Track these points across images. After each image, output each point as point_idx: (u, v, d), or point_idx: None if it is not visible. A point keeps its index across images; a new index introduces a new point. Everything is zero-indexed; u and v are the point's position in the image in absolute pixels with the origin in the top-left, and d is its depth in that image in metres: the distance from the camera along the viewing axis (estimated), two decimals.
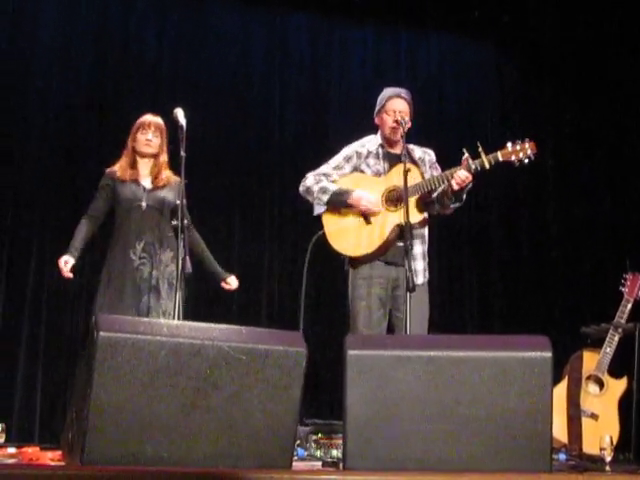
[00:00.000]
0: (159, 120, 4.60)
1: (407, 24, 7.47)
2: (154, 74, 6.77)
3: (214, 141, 6.62)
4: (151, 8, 6.87)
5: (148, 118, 4.60)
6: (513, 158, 4.10)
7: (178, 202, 4.15)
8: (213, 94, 6.79)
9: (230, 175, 6.71)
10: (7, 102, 6.30)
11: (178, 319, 3.86)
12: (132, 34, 6.77)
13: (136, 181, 4.52)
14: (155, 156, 4.58)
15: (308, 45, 7.26)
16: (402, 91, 4.50)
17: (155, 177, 4.55)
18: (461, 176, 4.09)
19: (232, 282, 4.69)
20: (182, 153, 4.15)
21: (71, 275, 4.42)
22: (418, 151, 4.51)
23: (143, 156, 4.58)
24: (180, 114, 4.22)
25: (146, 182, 4.55)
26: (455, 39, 7.62)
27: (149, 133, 4.55)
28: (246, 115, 6.92)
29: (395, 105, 4.43)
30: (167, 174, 4.57)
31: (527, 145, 4.10)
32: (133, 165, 4.56)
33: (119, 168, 4.56)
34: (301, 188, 4.51)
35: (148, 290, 4.37)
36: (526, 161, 4.10)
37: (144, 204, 4.46)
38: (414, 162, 4.37)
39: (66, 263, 4.39)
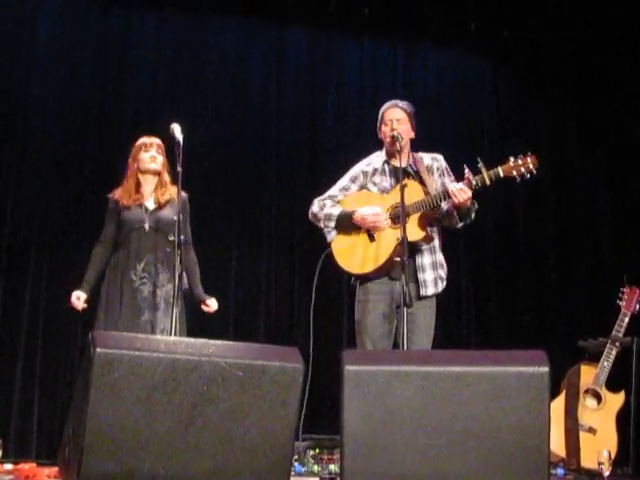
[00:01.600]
0: (158, 140, 4.65)
1: (404, 38, 7.49)
2: (151, 87, 6.79)
3: (210, 156, 6.63)
4: (149, 20, 6.91)
5: (148, 139, 4.65)
6: (514, 173, 4.07)
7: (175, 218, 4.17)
8: (209, 108, 6.81)
9: (226, 190, 6.73)
10: (5, 109, 6.34)
11: (175, 335, 3.86)
12: (130, 46, 6.80)
13: (140, 205, 4.55)
14: (159, 174, 4.63)
15: (305, 59, 7.28)
16: (399, 101, 4.49)
17: (159, 195, 4.58)
18: (454, 189, 4.07)
19: (212, 304, 4.67)
20: (179, 168, 4.16)
21: (84, 306, 4.50)
22: (427, 159, 4.47)
23: (147, 173, 4.62)
24: (177, 129, 4.23)
25: (149, 202, 4.58)
26: (452, 53, 7.64)
27: (152, 150, 4.61)
28: (242, 130, 6.92)
29: (391, 115, 4.41)
30: (171, 191, 4.59)
31: (529, 159, 4.07)
32: (137, 188, 4.59)
33: (122, 194, 4.59)
34: (309, 215, 4.53)
35: (148, 308, 4.40)
36: (528, 176, 4.08)
37: (147, 226, 4.50)
38: (419, 175, 4.36)
39: (78, 298, 4.48)
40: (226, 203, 6.72)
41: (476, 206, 4.26)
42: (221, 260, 6.53)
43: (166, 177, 4.62)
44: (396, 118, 4.40)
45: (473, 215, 4.29)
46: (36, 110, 6.47)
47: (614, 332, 5.08)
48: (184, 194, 4.54)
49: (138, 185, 4.61)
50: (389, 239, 4.24)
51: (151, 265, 4.44)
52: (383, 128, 4.43)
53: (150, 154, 4.60)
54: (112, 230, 4.58)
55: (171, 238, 4.28)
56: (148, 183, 4.63)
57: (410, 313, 3.90)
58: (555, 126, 7.52)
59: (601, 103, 7.34)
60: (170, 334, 3.86)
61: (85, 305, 4.50)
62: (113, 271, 4.51)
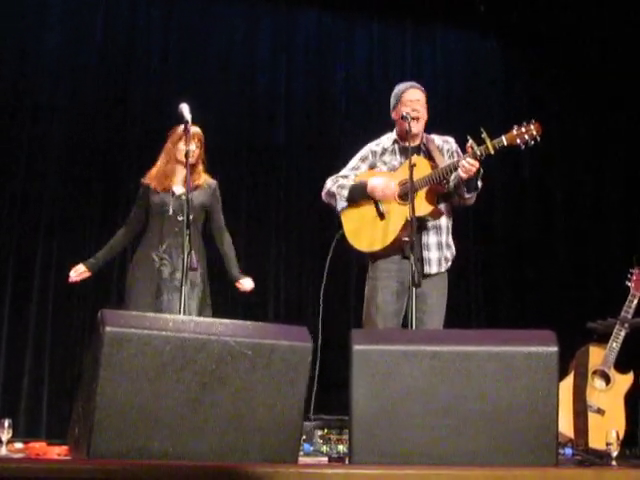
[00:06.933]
0: (200, 131, 4.63)
1: (413, 18, 7.46)
2: (160, 69, 6.79)
3: (219, 138, 6.60)
4: (157, 2, 6.89)
5: (193, 129, 4.52)
6: (518, 141, 4.04)
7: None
8: (219, 90, 6.80)
9: (236, 171, 6.72)
10: (13, 97, 6.34)
11: (183, 313, 3.87)
12: (138, 29, 6.79)
13: (168, 189, 4.61)
14: (193, 165, 4.59)
15: (314, 40, 7.26)
16: (415, 82, 4.50)
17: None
18: (466, 165, 4.04)
19: (245, 283, 4.74)
20: (188, 147, 4.18)
21: (76, 280, 4.63)
22: (438, 140, 4.47)
23: (183, 164, 4.57)
24: (185, 109, 4.23)
25: (177, 188, 4.63)
26: (461, 33, 7.61)
27: (193, 144, 4.53)
28: (252, 111, 6.93)
29: (411, 95, 4.40)
30: (202, 178, 4.67)
31: (532, 126, 4.04)
32: (170, 173, 4.63)
33: (154, 178, 4.64)
34: (323, 194, 4.53)
35: (168, 290, 4.46)
36: (532, 143, 4.04)
37: (171, 210, 4.55)
38: (429, 154, 4.34)
39: (76, 271, 4.61)
40: (235, 184, 6.71)
41: (481, 172, 4.18)
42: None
43: (199, 168, 4.67)
44: (417, 99, 4.40)
45: (480, 183, 4.23)
46: (45, 93, 6.46)
47: (623, 313, 5.08)
48: (214, 181, 4.71)
49: (172, 170, 4.64)
50: (397, 217, 4.23)
51: (172, 248, 4.50)
52: (402, 108, 4.37)
53: (190, 148, 4.46)
54: (139, 213, 4.68)
55: (180, 218, 4.36)
56: (180, 170, 4.64)
57: (421, 293, 3.88)
58: (563, 105, 7.49)
59: (609, 79, 7.31)
60: (185, 313, 3.88)
61: (78, 278, 4.61)
62: (139, 253, 4.61)
